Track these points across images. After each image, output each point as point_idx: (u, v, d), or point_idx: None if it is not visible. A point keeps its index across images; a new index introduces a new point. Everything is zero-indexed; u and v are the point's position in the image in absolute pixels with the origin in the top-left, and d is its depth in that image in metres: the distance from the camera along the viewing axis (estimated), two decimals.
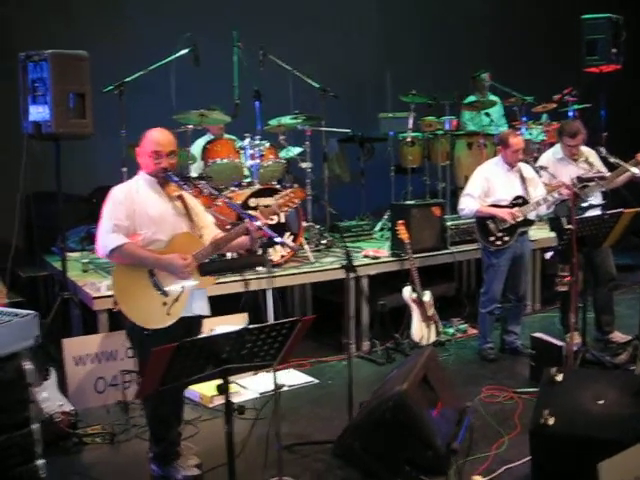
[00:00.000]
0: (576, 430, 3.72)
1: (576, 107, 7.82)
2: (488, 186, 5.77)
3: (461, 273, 7.62)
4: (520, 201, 5.72)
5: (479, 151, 7.41)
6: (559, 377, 4.01)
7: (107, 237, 3.88)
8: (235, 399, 5.27)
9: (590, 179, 5.33)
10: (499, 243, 5.72)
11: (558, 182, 5.55)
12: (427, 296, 6.23)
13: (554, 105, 7.68)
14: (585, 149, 6.09)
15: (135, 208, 3.94)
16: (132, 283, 3.91)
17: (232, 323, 5.56)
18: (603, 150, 5.92)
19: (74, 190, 6.70)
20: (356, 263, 6.18)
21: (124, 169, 5.78)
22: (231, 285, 5.45)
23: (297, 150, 6.63)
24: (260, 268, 5.40)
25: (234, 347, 3.31)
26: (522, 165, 5.86)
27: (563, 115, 7.76)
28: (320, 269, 6.06)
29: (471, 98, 7.93)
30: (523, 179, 5.75)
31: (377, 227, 7.40)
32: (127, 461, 4.46)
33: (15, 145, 5.67)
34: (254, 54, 6.58)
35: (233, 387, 5.48)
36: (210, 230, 4.15)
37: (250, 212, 4.10)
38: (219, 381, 3.95)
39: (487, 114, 7.51)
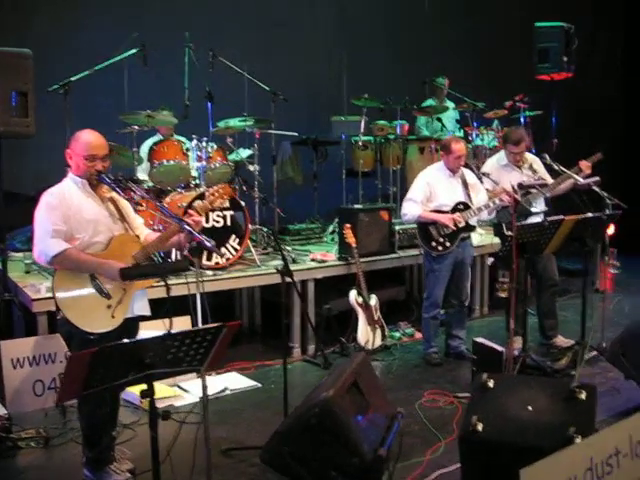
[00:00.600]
0: (504, 436, 3.75)
1: (528, 114, 7.93)
2: (430, 191, 5.82)
3: (412, 277, 7.66)
4: (462, 207, 5.78)
5: (431, 156, 7.46)
6: (490, 383, 4.03)
7: (46, 243, 3.82)
8: (176, 403, 5.27)
9: (531, 186, 5.39)
10: (441, 248, 5.77)
11: (500, 188, 5.61)
12: (373, 300, 6.26)
13: (505, 111, 7.77)
14: (529, 156, 6.17)
15: (70, 212, 3.89)
16: (74, 288, 3.87)
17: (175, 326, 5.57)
18: (547, 157, 6.00)
19: (22, 189, 6.61)
20: (303, 267, 6.26)
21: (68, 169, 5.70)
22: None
23: (247, 153, 6.61)
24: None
25: (157, 352, 3.28)
26: (464, 171, 5.92)
27: (515, 121, 7.86)
28: (265, 272, 6.04)
29: (428, 102, 7.98)
30: (465, 185, 5.80)
31: (328, 230, 7.41)
32: (61, 465, 4.40)
33: None
34: (206, 55, 6.53)
35: (175, 391, 5.47)
36: (141, 231, 4.15)
37: (189, 210, 4.08)
38: (157, 385, 4.03)
39: (439, 119, 7.57)
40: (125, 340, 3.23)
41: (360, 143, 7.40)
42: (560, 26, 7.71)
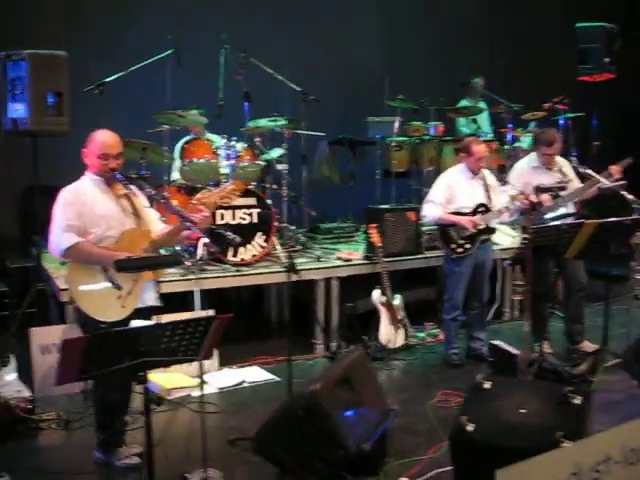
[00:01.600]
0: (493, 438, 3.77)
1: (568, 115, 7.81)
2: (451, 193, 5.83)
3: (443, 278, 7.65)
4: (482, 209, 5.77)
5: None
6: (487, 384, 4.06)
7: (60, 237, 4.09)
8: (194, 393, 5.47)
9: (549, 189, 5.34)
10: (460, 250, 5.78)
11: (520, 191, 5.58)
12: (397, 300, 6.30)
13: (544, 113, 7.67)
14: (560, 159, 6.10)
15: (84, 208, 4.14)
16: (87, 279, 4.10)
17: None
18: (575, 160, 5.93)
19: (59, 183, 6.92)
20: (327, 265, 6.37)
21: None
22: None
23: (278, 152, 6.75)
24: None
25: (151, 341, 3.46)
26: (485, 172, 5.90)
27: (554, 123, 7.75)
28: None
29: (463, 103, 7.96)
30: (486, 187, 5.79)
31: (361, 230, 7.49)
32: (78, 446, 4.65)
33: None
34: (238, 56, 6.70)
35: (193, 381, 5.67)
36: (156, 225, 4.34)
37: (196, 204, 4.25)
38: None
39: (474, 120, 7.54)
40: (117, 328, 3.43)
41: (393, 144, 7.44)
42: (602, 26, 7.56)
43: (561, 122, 7.70)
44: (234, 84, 6.84)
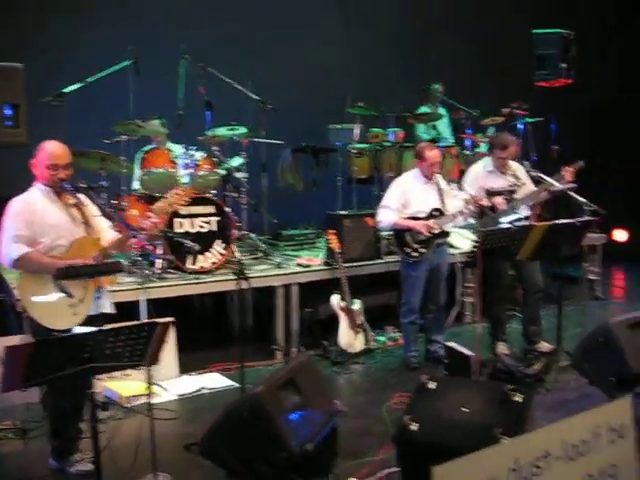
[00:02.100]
0: (435, 437, 3.86)
1: (527, 120, 7.94)
2: (405, 198, 5.92)
3: None
4: (437, 213, 5.86)
5: None
6: (431, 385, 4.14)
7: (9, 247, 4.14)
8: (153, 400, 5.49)
9: (499, 192, 5.45)
10: (416, 255, 5.87)
11: (472, 195, 5.68)
12: (357, 305, 6.38)
13: (503, 118, 7.80)
14: (513, 163, 6.21)
15: (34, 218, 4.19)
16: (38, 288, 4.14)
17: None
18: (527, 164, 6.05)
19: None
20: (286, 271, 6.44)
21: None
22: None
23: (238, 160, 6.82)
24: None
25: (94, 347, 3.52)
26: (439, 177, 5.99)
27: (512, 129, 7.88)
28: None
29: (423, 109, 8.07)
30: (440, 191, 5.88)
31: (324, 236, 7.55)
32: (34, 455, 4.68)
33: None
34: (197, 67, 6.77)
35: (153, 388, 5.69)
36: (106, 233, 4.40)
37: (149, 212, 4.33)
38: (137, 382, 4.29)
39: (434, 126, 7.65)
40: (59, 335, 3.48)
41: (354, 150, 7.53)
42: (558, 33, 7.70)
43: (520, 127, 7.83)
44: (196, 94, 6.91)
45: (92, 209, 4.38)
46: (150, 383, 4.00)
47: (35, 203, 4.23)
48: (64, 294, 4.10)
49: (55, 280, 4.10)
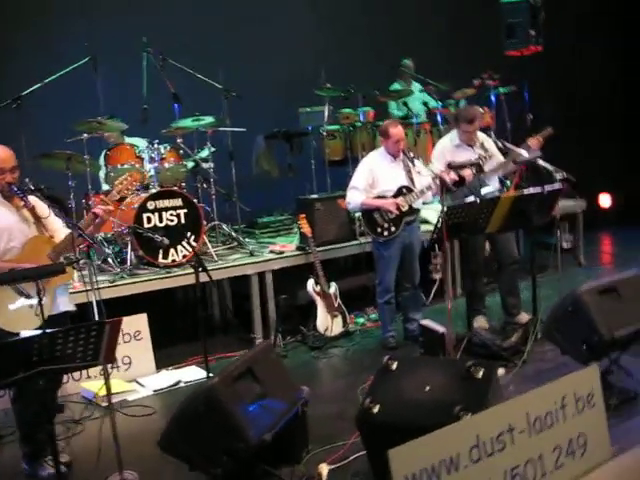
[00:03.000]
0: (397, 417, 3.83)
1: (501, 91, 7.85)
2: (373, 177, 5.86)
3: None
4: (405, 191, 5.80)
5: None
6: (393, 365, 4.10)
7: None
8: (129, 397, 5.51)
9: (461, 166, 5.38)
10: (386, 234, 5.82)
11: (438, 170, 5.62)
12: (332, 288, 6.35)
13: (473, 90, 7.71)
14: (481, 135, 6.14)
15: None
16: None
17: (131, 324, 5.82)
18: (492, 135, 5.97)
19: None
20: (260, 259, 6.40)
21: (26, 179, 5.97)
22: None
23: (207, 151, 6.76)
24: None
25: (43, 350, 3.49)
26: (409, 154, 5.91)
27: (485, 100, 7.79)
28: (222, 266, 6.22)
29: (394, 86, 7.99)
30: (408, 168, 5.80)
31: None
32: (9, 459, 4.68)
33: None
34: (158, 59, 6.70)
35: (130, 385, 5.70)
36: (60, 232, 4.36)
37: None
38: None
39: (404, 103, 7.57)
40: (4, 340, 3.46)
41: (325, 133, 7.46)
42: (525, 0, 7.58)
43: (492, 98, 7.74)
44: (162, 87, 6.84)
45: (43, 210, 4.35)
46: (106, 381, 3.94)
47: None
48: (24, 297, 4.09)
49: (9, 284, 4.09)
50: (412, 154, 5.78)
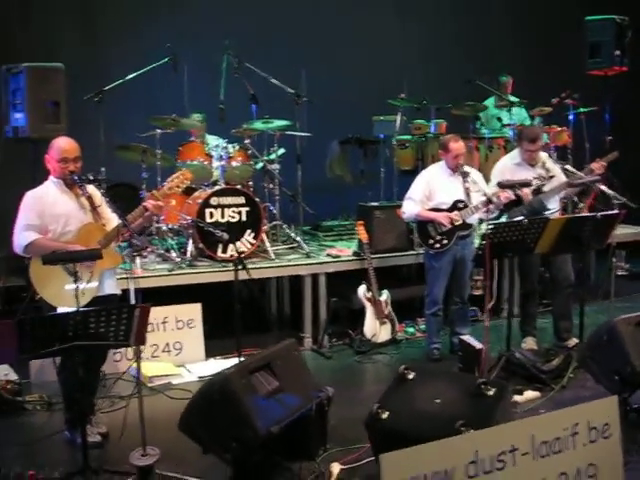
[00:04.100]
0: (403, 425, 3.93)
1: (581, 110, 7.70)
2: (430, 190, 5.93)
3: None
4: (461, 205, 5.83)
5: (470, 154, 7.44)
6: (410, 375, 4.19)
7: (20, 235, 4.54)
8: (174, 380, 5.81)
9: (512, 185, 5.37)
10: (438, 246, 5.87)
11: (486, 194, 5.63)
12: (384, 295, 6.45)
13: (550, 109, 7.59)
14: (543, 155, 6.08)
15: (44, 208, 4.56)
16: (48, 272, 4.47)
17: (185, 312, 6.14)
18: (553, 156, 5.91)
19: None
20: (314, 261, 6.59)
21: (102, 169, 6.42)
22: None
23: (280, 151, 7.02)
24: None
25: (77, 327, 3.81)
26: (467, 169, 5.94)
27: (564, 119, 7.67)
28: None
29: (491, 101, 8.06)
30: (466, 183, 5.79)
31: None
32: (58, 426, 5.06)
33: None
34: (239, 62, 6.98)
35: (177, 370, 6.00)
36: (113, 222, 4.68)
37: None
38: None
39: (477, 117, 7.57)
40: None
41: (396, 142, 7.54)
42: (611, 19, 7.39)
43: (571, 117, 7.60)
44: (241, 87, 7.13)
45: (98, 199, 4.69)
46: (137, 361, 4.22)
47: (47, 195, 4.59)
48: (70, 276, 4.44)
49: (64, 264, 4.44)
50: (466, 169, 5.79)
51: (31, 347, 3.82)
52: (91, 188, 4.67)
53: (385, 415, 3.97)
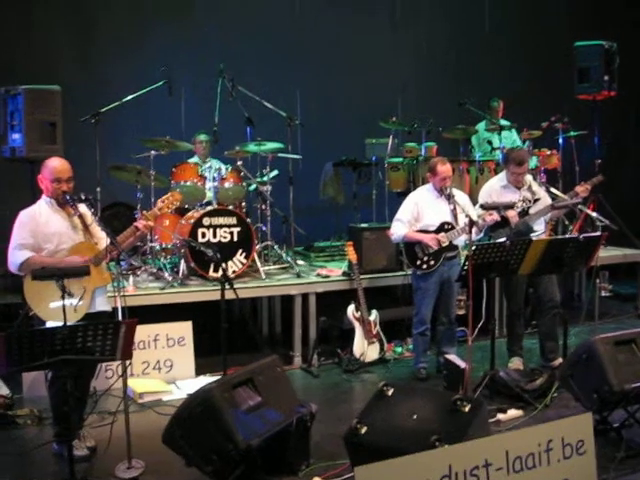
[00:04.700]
0: (381, 440, 4.01)
1: (571, 134, 7.83)
2: (418, 211, 6.04)
3: None
4: (448, 227, 5.93)
5: (461, 177, 7.58)
6: (389, 392, 4.28)
7: (14, 254, 4.67)
8: (164, 397, 5.90)
9: (495, 207, 5.49)
10: (425, 267, 5.97)
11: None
12: (373, 315, 6.54)
13: (540, 132, 7.73)
14: (528, 178, 6.20)
15: (38, 227, 4.69)
16: (41, 289, 4.58)
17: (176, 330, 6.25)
18: (539, 178, 6.03)
19: None
20: (304, 281, 6.69)
21: (98, 189, 6.56)
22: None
23: (273, 173, 7.16)
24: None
25: (65, 341, 3.92)
26: (455, 192, 6.06)
27: (554, 142, 7.80)
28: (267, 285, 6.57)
29: (482, 125, 8.20)
30: (453, 205, 5.90)
31: None
32: (45, 438, 5.16)
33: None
34: (234, 86, 7.15)
35: (168, 386, 6.09)
36: (103, 242, 4.80)
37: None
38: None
39: (468, 140, 7.70)
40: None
41: (388, 165, 7.67)
42: (600, 45, 7.55)
43: (560, 141, 7.73)
44: (236, 110, 7.29)
45: (89, 218, 4.82)
46: (124, 376, 4.32)
47: (40, 214, 4.72)
48: (66, 294, 4.56)
49: (57, 282, 4.56)
50: (449, 191, 5.91)
51: (19, 361, 3.92)
52: (82, 207, 4.79)
53: (364, 430, 4.06)
